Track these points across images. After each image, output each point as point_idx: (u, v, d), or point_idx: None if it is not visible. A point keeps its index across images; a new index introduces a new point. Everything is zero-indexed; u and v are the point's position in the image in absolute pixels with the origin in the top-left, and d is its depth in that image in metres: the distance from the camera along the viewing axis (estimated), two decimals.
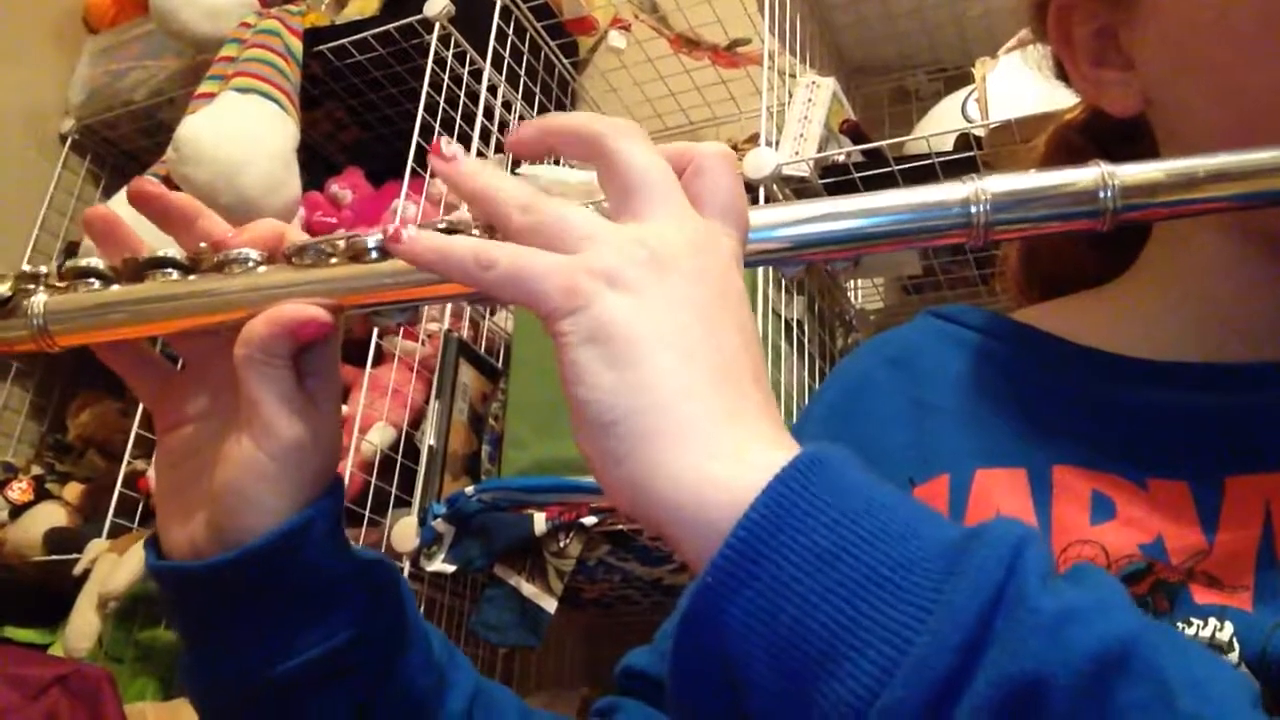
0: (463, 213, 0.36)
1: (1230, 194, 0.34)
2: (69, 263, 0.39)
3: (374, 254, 0.35)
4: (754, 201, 1.06)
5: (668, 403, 0.29)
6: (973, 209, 0.34)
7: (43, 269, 0.39)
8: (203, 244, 0.38)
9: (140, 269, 0.38)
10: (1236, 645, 0.32)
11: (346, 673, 0.39)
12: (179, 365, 0.42)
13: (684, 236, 0.32)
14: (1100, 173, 0.34)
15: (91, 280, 0.38)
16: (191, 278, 0.38)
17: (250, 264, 0.37)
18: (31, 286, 0.39)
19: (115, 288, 0.38)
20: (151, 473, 1.31)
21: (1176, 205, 0.34)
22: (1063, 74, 0.46)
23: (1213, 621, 0.33)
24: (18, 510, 1.50)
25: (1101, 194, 0.34)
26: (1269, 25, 0.36)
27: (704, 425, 0.29)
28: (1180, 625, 0.34)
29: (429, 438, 1.18)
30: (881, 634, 0.24)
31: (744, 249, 0.34)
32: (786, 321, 1.13)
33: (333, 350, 0.40)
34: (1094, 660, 0.23)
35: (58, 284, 0.39)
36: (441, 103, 1.33)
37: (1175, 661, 0.23)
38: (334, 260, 0.36)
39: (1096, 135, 0.48)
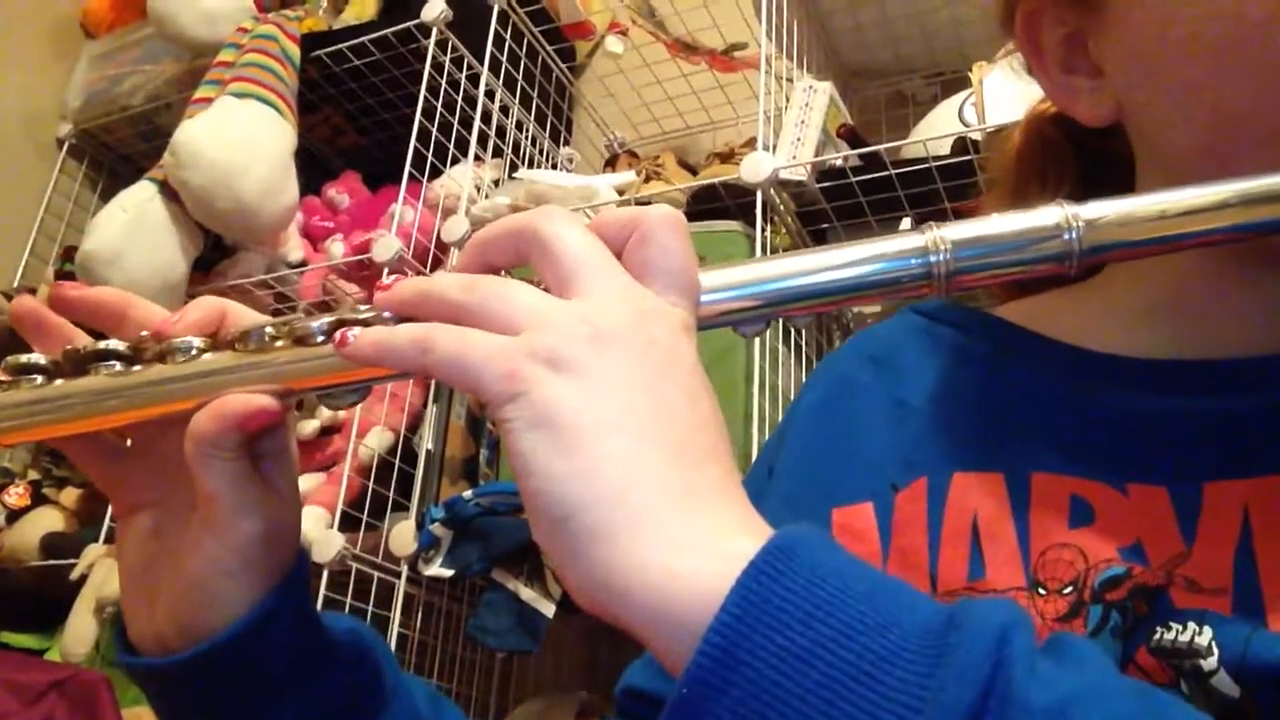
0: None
1: (1200, 229, 0.33)
2: (9, 359, 0.38)
3: (319, 337, 0.35)
4: (751, 206, 1.07)
5: (620, 492, 0.27)
6: (932, 258, 0.33)
7: None
8: (144, 333, 0.37)
9: (82, 362, 0.37)
10: (1216, 649, 0.32)
11: None
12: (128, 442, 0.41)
13: (627, 309, 0.31)
14: (1064, 214, 0.33)
15: (33, 376, 0.37)
16: (135, 369, 0.37)
17: (193, 352, 0.36)
18: None
19: (59, 382, 0.37)
20: None
21: (1143, 245, 0.33)
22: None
23: (1191, 625, 0.33)
24: (14, 515, 1.50)
25: (1066, 236, 0.33)
26: (1241, 43, 0.35)
27: (661, 514, 0.27)
28: (1160, 629, 0.33)
29: (426, 442, 1.18)
30: None
31: (695, 315, 0.33)
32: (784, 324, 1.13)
33: (285, 431, 0.39)
34: None
35: (0, 380, 0.38)
36: (439, 107, 1.34)
37: None
38: (279, 344, 0.35)
39: (1072, 127, 0.47)
